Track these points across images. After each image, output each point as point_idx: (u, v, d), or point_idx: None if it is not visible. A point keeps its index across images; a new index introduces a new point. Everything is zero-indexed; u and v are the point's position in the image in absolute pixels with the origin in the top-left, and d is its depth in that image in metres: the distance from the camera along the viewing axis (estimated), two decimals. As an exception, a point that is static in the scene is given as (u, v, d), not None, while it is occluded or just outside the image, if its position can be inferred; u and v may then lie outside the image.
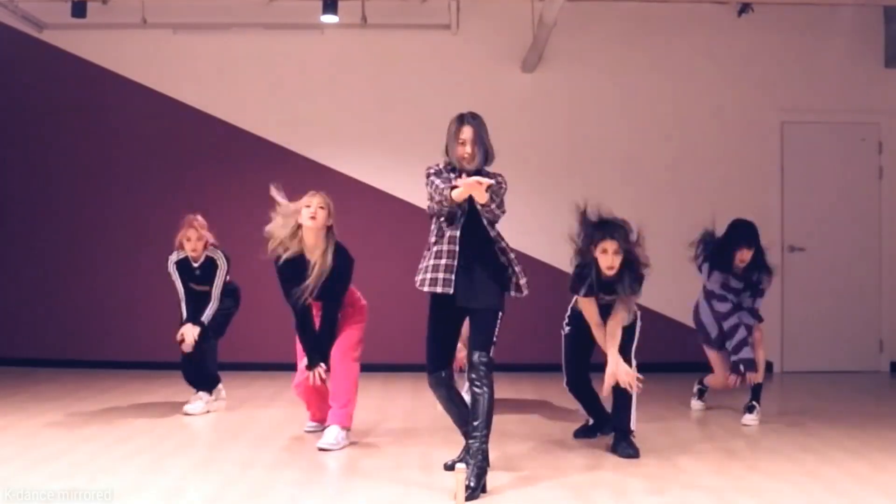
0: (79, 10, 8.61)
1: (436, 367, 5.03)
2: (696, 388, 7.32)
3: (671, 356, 9.00)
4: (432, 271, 4.91)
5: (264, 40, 9.55)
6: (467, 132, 4.99)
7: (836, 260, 9.39)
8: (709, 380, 7.20)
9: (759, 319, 6.86)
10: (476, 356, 4.81)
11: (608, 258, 5.54)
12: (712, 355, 7.06)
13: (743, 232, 6.72)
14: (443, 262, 4.91)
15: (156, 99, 9.55)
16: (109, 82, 9.56)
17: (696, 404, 7.26)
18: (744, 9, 9.00)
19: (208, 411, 6.92)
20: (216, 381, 7.17)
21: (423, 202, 9.34)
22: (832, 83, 9.52)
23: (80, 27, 9.07)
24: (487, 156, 5.02)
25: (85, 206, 9.53)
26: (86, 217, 9.53)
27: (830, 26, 9.34)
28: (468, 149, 4.98)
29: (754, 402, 6.64)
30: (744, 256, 6.69)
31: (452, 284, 4.87)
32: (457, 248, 4.90)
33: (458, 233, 4.92)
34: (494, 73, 9.51)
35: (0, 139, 9.66)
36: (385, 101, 9.56)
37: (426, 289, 4.93)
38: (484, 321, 4.90)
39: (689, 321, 9.31)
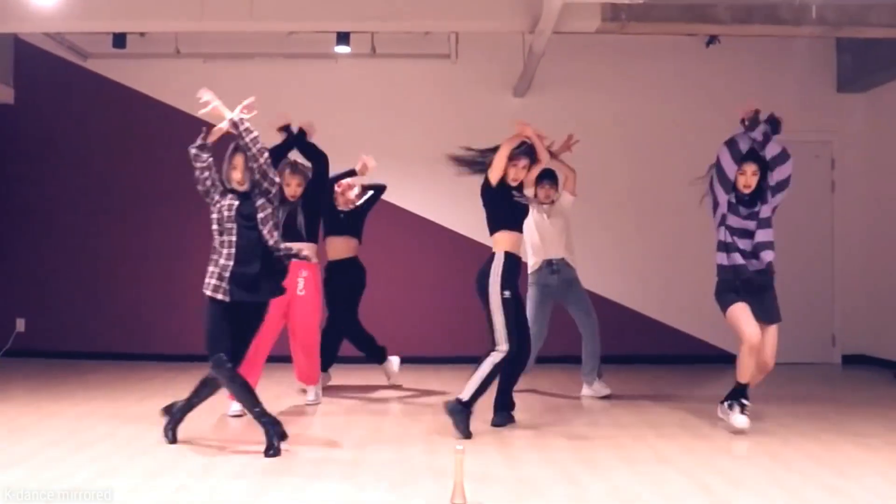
0: (119, 41, 8.66)
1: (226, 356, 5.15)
2: (733, 404, 5.75)
3: (650, 349, 9.06)
4: (217, 279, 5.20)
5: (284, 68, 9.59)
6: (238, 160, 5.33)
7: (795, 264, 9.38)
8: (741, 372, 5.78)
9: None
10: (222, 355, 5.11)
11: (515, 171, 5.96)
12: (739, 311, 5.78)
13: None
14: (218, 270, 5.20)
15: (187, 121, 9.57)
16: (146, 106, 9.60)
17: (740, 420, 5.66)
18: (711, 40, 9.03)
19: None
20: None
21: (426, 212, 9.47)
22: (790, 106, 9.45)
23: (120, 56, 9.11)
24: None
25: (128, 216, 9.57)
26: (128, 225, 9.56)
27: (789, 55, 9.38)
28: (238, 174, 5.30)
29: (746, 402, 5.75)
30: (748, 181, 5.85)
31: (229, 293, 5.14)
32: (232, 263, 5.17)
33: (233, 250, 5.19)
34: (489, 97, 9.54)
35: (50, 156, 9.69)
36: (392, 123, 9.60)
37: (208, 293, 5.20)
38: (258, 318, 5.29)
39: (666, 319, 9.43)
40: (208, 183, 5.33)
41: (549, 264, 7.12)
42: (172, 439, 5.30)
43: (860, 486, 4.43)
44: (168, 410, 5.41)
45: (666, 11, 7.13)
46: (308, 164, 6.81)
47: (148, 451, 5.12)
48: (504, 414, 5.97)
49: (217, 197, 5.32)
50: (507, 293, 5.70)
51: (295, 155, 6.94)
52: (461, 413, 5.56)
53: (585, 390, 7.11)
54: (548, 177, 7.14)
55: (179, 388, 7.58)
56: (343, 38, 8.54)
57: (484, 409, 6.04)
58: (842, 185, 9.60)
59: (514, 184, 5.97)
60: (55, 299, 9.56)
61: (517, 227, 5.95)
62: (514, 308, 5.74)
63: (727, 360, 9.42)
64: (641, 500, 4.15)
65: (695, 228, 9.37)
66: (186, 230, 9.30)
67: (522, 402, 6.96)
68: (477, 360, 5.72)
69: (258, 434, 5.65)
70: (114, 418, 6.05)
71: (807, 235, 9.45)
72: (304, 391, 6.96)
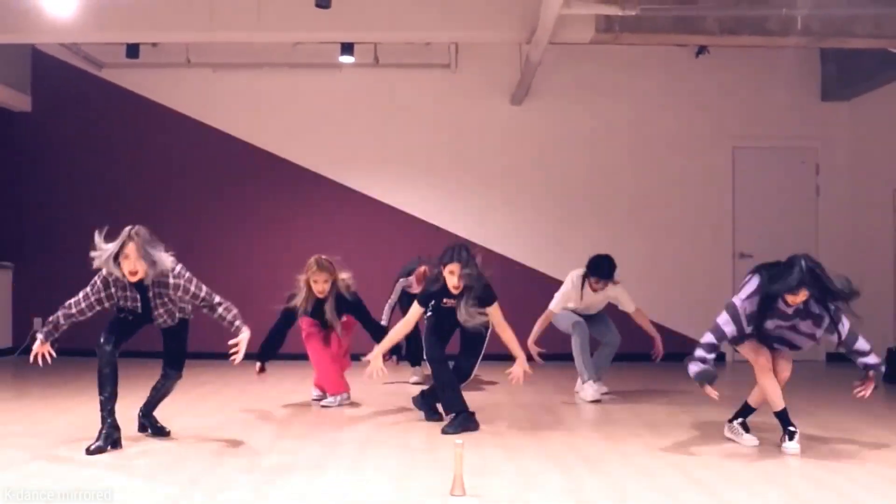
0: (133, 51, 8.66)
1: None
2: (736, 424, 5.39)
3: (642, 347, 9.02)
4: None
5: (290, 78, 9.59)
6: (130, 248, 4.79)
7: (780, 265, 9.40)
8: (754, 397, 5.38)
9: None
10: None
11: (454, 279, 5.57)
12: (750, 346, 5.22)
13: (800, 276, 4.88)
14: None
15: (197, 128, 9.58)
16: (158, 113, 9.60)
17: (748, 439, 5.26)
18: (700, 51, 9.03)
19: None
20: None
21: (423, 214, 9.45)
22: (776, 114, 9.55)
23: (133, 66, 9.11)
24: (156, 265, 4.82)
25: (139, 218, 9.47)
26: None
27: (775, 66, 9.38)
28: (131, 265, 4.80)
29: (792, 429, 5.10)
30: (797, 300, 4.92)
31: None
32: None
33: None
34: (487, 105, 9.54)
35: (66, 162, 9.68)
36: (394, 129, 9.60)
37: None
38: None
39: (657, 318, 9.38)
40: (97, 309, 5.02)
41: (581, 314, 7.08)
42: (159, 430, 5.29)
43: (845, 478, 4.41)
44: (147, 417, 5.39)
45: (657, 23, 7.12)
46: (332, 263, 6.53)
47: (158, 445, 5.10)
48: (425, 406, 6.00)
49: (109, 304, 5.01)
50: (429, 313, 5.82)
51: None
52: (430, 411, 5.87)
53: (579, 387, 7.09)
54: (605, 275, 6.86)
55: (186, 384, 7.56)
56: (347, 48, 8.55)
57: (484, 408, 6.03)
58: (826, 189, 9.60)
59: (455, 291, 5.63)
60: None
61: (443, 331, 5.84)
62: (433, 326, 5.79)
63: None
64: (635, 493, 4.13)
65: (687, 232, 9.38)
66: (195, 232, 9.28)
67: (521, 398, 6.94)
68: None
69: (265, 430, 5.64)
70: (125, 413, 6.01)
71: (792, 237, 9.41)
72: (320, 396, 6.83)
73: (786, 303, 4.93)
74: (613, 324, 7.17)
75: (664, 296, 9.39)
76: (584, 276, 6.93)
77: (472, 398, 6.04)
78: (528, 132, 9.60)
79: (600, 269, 6.84)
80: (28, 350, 9.29)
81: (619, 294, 7.04)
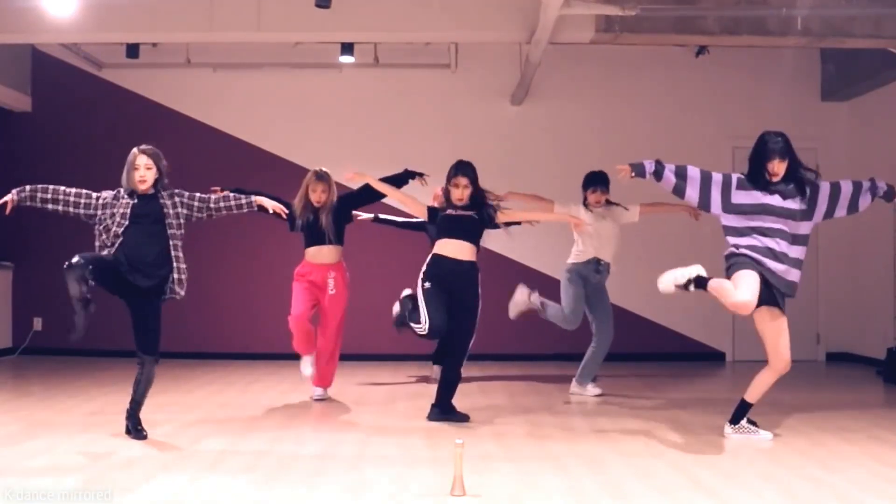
0: (132, 51, 8.66)
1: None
2: (744, 423, 5.41)
3: (642, 347, 9.04)
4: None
5: (291, 77, 9.58)
6: (140, 159, 5.51)
7: (780, 265, 9.39)
8: (751, 393, 5.37)
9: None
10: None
11: (458, 191, 5.90)
12: (745, 275, 5.28)
13: (774, 142, 5.27)
14: None
15: (198, 128, 9.58)
16: (158, 113, 9.59)
17: (765, 434, 5.37)
18: (701, 51, 9.03)
19: None
20: None
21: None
22: (776, 113, 9.51)
23: (133, 66, 9.10)
24: (163, 176, 5.56)
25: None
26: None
27: (775, 65, 9.37)
28: (141, 172, 5.48)
29: (743, 422, 5.37)
30: (776, 168, 5.26)
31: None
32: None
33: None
34: (487, 105, 9.54)
35: (66, 162, 9.68)
36: (394, 129, 9.59)
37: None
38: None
39: (657, 318, 9.40)
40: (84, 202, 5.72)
41: (596, 262, 6.95)
42: (139, 434, 5.22)
43: (844, 478, 4.42)
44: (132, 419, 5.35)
45: (657, 23, 7.12)
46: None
47: (158, 445, 5.11)
48: (436, 410, 5.93)
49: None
50: (427, 284, 5.88)
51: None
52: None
53: (575, 388, 7.06)
54: (599, 182, 7.07)
55: (188, 385, 7.58)
56: (347, 48, 8.55)
57: (484, 408, 6.03)
58: (826, 189, 9.58)
59: (459, 203, 5.95)
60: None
61: (451, 235, 5.95)
62: (434, 295, 5.81)
63: (717, 357, 9.46)
64: (634, 493, 4.14)
65: (687, 232, 9.38)
66: (194, 231, 9.26)
67: (521, 399, 6.95)
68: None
69: (265, 430, 5.65)
70: (124, 413, 6.03)
71: (792, 238, 9.44)
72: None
73: (769, 172, 5.26)
74: (612, 318, 7.09)
75: (663, 295, 9.38)
76: (584, 200, 7.08)
77: (472, 398, 6.07)
78: (527, 132, 9.59)
79: (593, 177, 7.07)
80: (28, 351, 9.36)
81: (621, 212, 7.08)
